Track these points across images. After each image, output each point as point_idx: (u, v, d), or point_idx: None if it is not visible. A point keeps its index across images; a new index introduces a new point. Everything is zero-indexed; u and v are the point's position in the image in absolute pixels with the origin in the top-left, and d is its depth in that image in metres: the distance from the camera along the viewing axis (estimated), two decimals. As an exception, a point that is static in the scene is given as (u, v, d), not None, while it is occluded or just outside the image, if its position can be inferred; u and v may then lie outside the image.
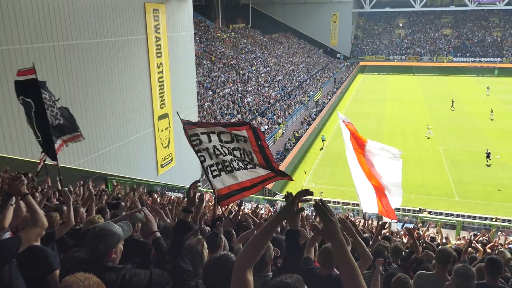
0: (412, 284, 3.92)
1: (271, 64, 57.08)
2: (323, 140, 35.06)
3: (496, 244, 9.20)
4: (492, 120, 41.29)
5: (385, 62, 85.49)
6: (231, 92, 40.50)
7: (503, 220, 19.64)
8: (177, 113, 6.83)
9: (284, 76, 55.29)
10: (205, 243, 3.82)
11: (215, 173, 5.88)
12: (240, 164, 5.78)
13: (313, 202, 2.79)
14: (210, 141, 5.74)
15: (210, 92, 37.44)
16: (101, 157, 17.85)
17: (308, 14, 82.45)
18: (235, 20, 66.16)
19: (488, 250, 8.05)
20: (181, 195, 18.14)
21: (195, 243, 3.64)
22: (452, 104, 46.23)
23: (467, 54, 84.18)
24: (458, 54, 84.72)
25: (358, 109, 47.88)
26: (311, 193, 2.45)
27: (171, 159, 23.30)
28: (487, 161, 29.63)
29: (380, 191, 8.61)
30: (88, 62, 16.54)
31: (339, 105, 50.87)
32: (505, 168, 29.00)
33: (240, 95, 41.12)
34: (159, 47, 20.84)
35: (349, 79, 67.89)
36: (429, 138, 35.81)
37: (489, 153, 29.78)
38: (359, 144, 8.85)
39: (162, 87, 21.49)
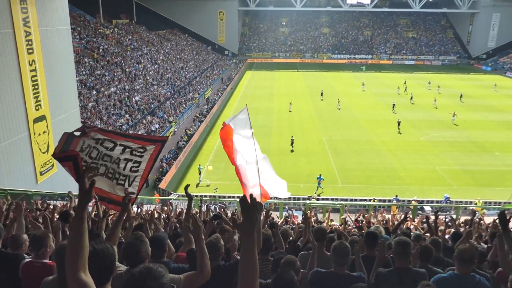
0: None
1: (159, 61, 55.68)
2: (200, 173, 28.15)
3: (372, 222, 10.14)
4: (339, 109, 45.83)
5: (271, 59, 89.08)
6: (118, 91, 38.57)
7: (379, 200, 21.85)
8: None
9: (173, 74, 54.36)
10: None
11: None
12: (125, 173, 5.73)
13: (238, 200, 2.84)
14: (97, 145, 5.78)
15: (94, 92, 35.19)
16: (-35, 168, 15.68)
17: (195, 11, 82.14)
18: (118, 16, 63.06)
19: (365, 228, 8.84)
20: (66, 203, 16.76)
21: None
22: (322, 94, 51.53)
23: (344, 52, 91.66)
24: (336, 52, 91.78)
25: (248, 105, 49.01)
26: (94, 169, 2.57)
27: (52, 165, 21.36)
28: (291, 147, 32.65)
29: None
30: None
31: (229, 101, 51.69)
32: (380, 154, 32.23)
33: (127, 94, 39.37)
34: (30, 42, 18.89)
35: (238, 76, 69.27)
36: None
37: (293, 140, 33.11)
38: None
39: (36, 86, 19.55)
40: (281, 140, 35.48)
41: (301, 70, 77.11)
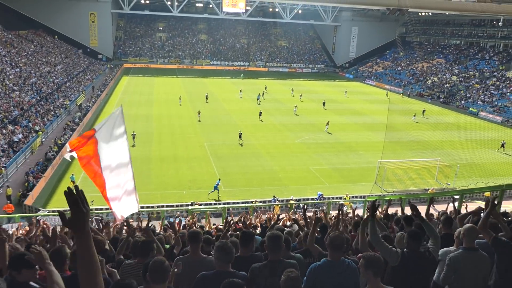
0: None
1: (21, 64, 50.16)
2: (72, 181, 26.12)
3: (252, 222, 10.46)
4: (199, 121, 43.73)
5: (149, 65, 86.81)
6: (-31, 98, 33.73)
7: (260, 202, 22.67)
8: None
9: (39, 78, 49.44)
10: None
11: None
12: None
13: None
14: None
15: None
16: None
17: (62, 11, 76.23)
18: (-33, 12, 55.32)
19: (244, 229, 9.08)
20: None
21: None
22: (206, 97, 53.95)
23: (222, 59, 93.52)
24: (214, 58, 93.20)
25: (125, 111, 46.14)
26: None
27: None
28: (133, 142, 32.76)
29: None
30: None
31: (105, 108, 48.90)
32: (258, 157, 33.51)
33: (-19, 100, 34.66)
34: None
35: (113, 81, 65.92)
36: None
37: (134, 134, 34.31)
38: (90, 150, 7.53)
39: None
40: (162, 147, 34.73)
41: (180, 76, 76.57)
